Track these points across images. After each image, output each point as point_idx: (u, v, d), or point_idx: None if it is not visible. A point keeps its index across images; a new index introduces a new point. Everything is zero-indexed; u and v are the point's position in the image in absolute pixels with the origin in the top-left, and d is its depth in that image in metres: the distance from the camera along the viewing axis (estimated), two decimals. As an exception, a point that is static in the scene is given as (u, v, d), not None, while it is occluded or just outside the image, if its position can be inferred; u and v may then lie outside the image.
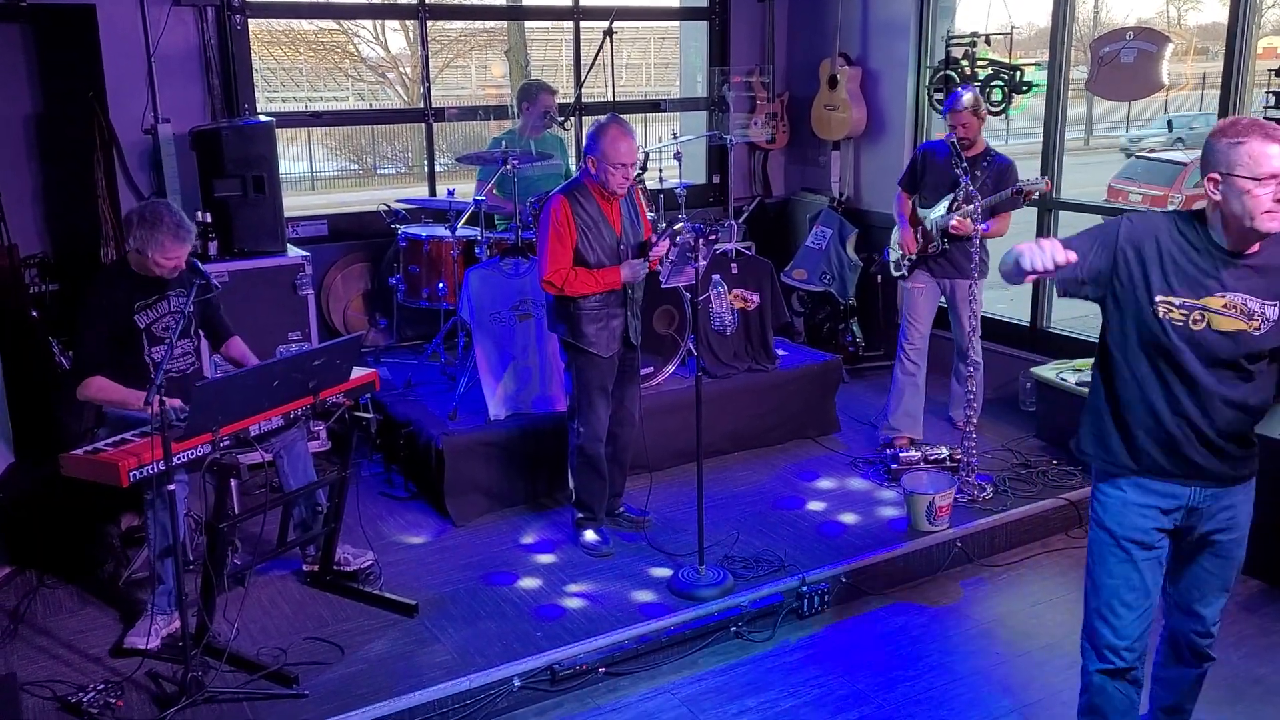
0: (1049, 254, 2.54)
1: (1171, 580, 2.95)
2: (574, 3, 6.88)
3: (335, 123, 15.32)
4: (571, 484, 4.59)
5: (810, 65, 7.20)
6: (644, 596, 4.15)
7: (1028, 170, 5.36)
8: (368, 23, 18.12)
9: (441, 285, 5.52)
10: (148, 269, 3.84)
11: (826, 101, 7.05)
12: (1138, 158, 16.02)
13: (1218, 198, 2.56)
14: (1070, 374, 5.43)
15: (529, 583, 4.28)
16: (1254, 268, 2.61)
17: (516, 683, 3.61)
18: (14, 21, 5.57)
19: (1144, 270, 2.64)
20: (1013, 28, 6.35)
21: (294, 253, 5.32)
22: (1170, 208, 8.22)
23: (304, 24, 17.03)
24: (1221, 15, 5.37)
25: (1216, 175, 2.55)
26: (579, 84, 6.76)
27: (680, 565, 4.32)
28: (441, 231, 5.57)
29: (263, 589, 4.19)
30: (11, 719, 3.19)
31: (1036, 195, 5.12)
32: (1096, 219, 3.57)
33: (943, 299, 5.39)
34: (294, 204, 7.92)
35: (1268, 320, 2.62)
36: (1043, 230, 6.19)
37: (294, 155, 16.18)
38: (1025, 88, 6.15)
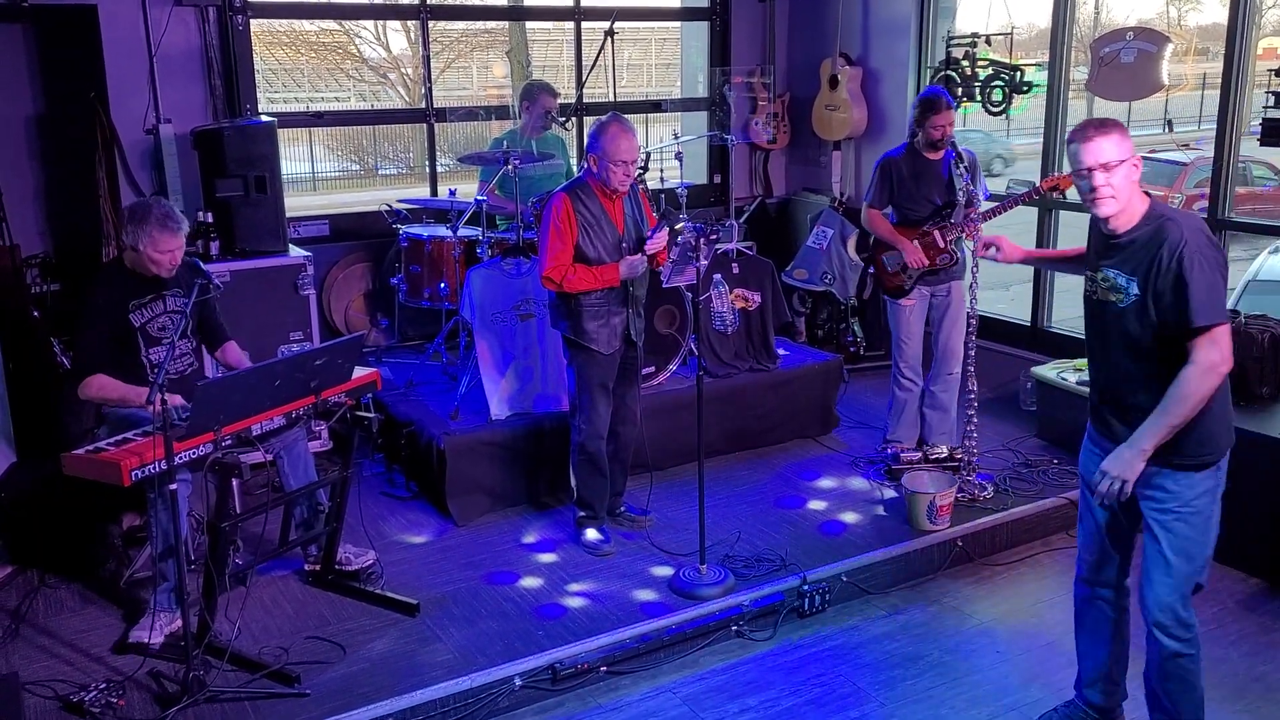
0: None
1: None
2: (575, 3, 6.89)
3: (337, 123, 15.33)
4: (573, 482, 4.60)
5: (811, 65, 7.20)
6: (645, 595, 4.16)
7: (1029, 173, 5.34)
8: (369, 23, 18.13)
9: (443, 285, 5.53)
10: (144, 267, 3.85)
11: (827, 102, 7.06)
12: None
13: None
14: (1071, 373, 5.43)
15: (530, 582, 4.29)
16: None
17: (518, 682, 3.61)
18: (16, 21, 5.58)
19: None
20: (1013, 28, 6.37)
21: (295, 253, 5.33)
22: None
23: (305, 24, 17.05)
24: (1221, 16, 5.37)
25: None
26: (580, 84, 6.77)
27: (681, 564, 4.32)
28: (443, 231, 5.57)
29: (264, 588, 4.19)
30: (13, 718, 3.20)
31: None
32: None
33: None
34: (295, 204, 7.94)
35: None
36: (1042, 230, 6.20)
37: (296, 156, 16.19)
38: (1026, 88, 6.16)
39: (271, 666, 3.60)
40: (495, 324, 5.07)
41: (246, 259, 5.14)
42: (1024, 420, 5.84)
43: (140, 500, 3.83)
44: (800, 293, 6.97)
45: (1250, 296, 7.25)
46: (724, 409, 5.42)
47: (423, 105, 6.70)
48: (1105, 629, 3.30)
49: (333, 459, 5.04)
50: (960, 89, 6.27)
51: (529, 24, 15.70)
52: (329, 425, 4.95)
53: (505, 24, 16.17)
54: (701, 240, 4.13)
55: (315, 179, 17.26)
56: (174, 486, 3.37)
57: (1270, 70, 4.95)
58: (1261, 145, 5.08)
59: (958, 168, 4.88)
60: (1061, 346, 6.04)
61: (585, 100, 6.94)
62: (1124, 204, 2.91)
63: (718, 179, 7.54)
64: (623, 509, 4.77)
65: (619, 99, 6.82)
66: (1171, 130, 18.91)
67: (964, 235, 4.94)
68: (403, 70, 18.86)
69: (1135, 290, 2.89)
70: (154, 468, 3.35)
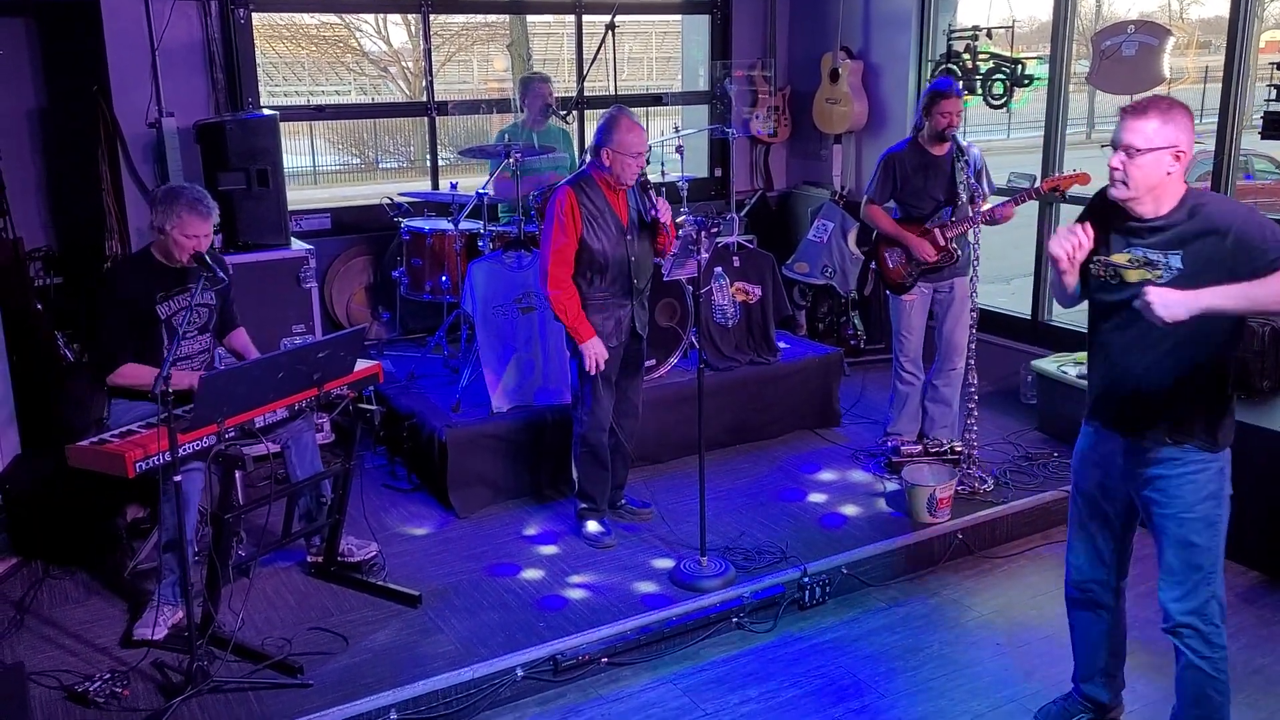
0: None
1: None
2: (576, -3, 6.89)
3: (338, 117, 15.31)
4: (575, 474, 4.61)
5: (812, 59, 7.21)
6: (646, 587, 4.18)
7: (1030, 165, 5.35)
8: (370, 17, 18.10)
9: (444, 278, 5.55)
10: (171, 253, 3.82)
11: (828, 95, 7.06)
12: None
13: None
14: (1071, 366, 5.44)
15: (532, 574, 4.31)
16: None
17: (519, 673, 3.63)
18: (18, 15, 5.59)
19: None
20: (1014, 21, 6.36)
21: (297, 246, 5.34)
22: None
23: (306, 18, 17.02)
24: (1223, 9, 5.36)
25: None
26: (581, 78, 6.77)
27: (682, 556, 4.34)
28: (444, 225, 5.59)
29: (267, 580, 4.21)
30: (19, 709, 3.21)
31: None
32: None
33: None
34: (297, 198, 7.96)
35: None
36: (1043, 225, 6.21)
37: (297, 149, 16.16)
38: (1027, 81, 6.16)
39: (275, 657, 3.61)
40: (496, 317, 5.08)
41: (249, 252, 5.15)
42: (1024, 413, 5.85)
43: (144, 492, 3.84)
44: (801, 286, 6.98)
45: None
46: (725, 402, 5.44)
47: (423, 99, 6.70)
48: (1097, 630, 3.29)
49: (335, 451, 5.06)
50: (961, 82, 6.26)
51: (530, 17, 15.64)
52: (331, 418, 4.96)
53: (506, 17, 16.14)
54: (703, 233, 4.15)
55: (316, 172, 17.24)
56: (178, 478, 3.37)
57: (1272, 64, 4.95)
58: (1263, 139, 5.08)
59: (960, 161, 4.89)
60: (1062, 340, 6.05)
61: (586, 94, 6.94)
62: (1137, 193, 2.81)
63: (718, 172, 7.55)
64: (624, 501, 4.79)
65: (620, 93, 6.82)
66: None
67: (965, 232, 4.94)
68: (403, 64, 18.83)
69: (1178, 264, 2.79)
70: (158, 459, 3.36)
